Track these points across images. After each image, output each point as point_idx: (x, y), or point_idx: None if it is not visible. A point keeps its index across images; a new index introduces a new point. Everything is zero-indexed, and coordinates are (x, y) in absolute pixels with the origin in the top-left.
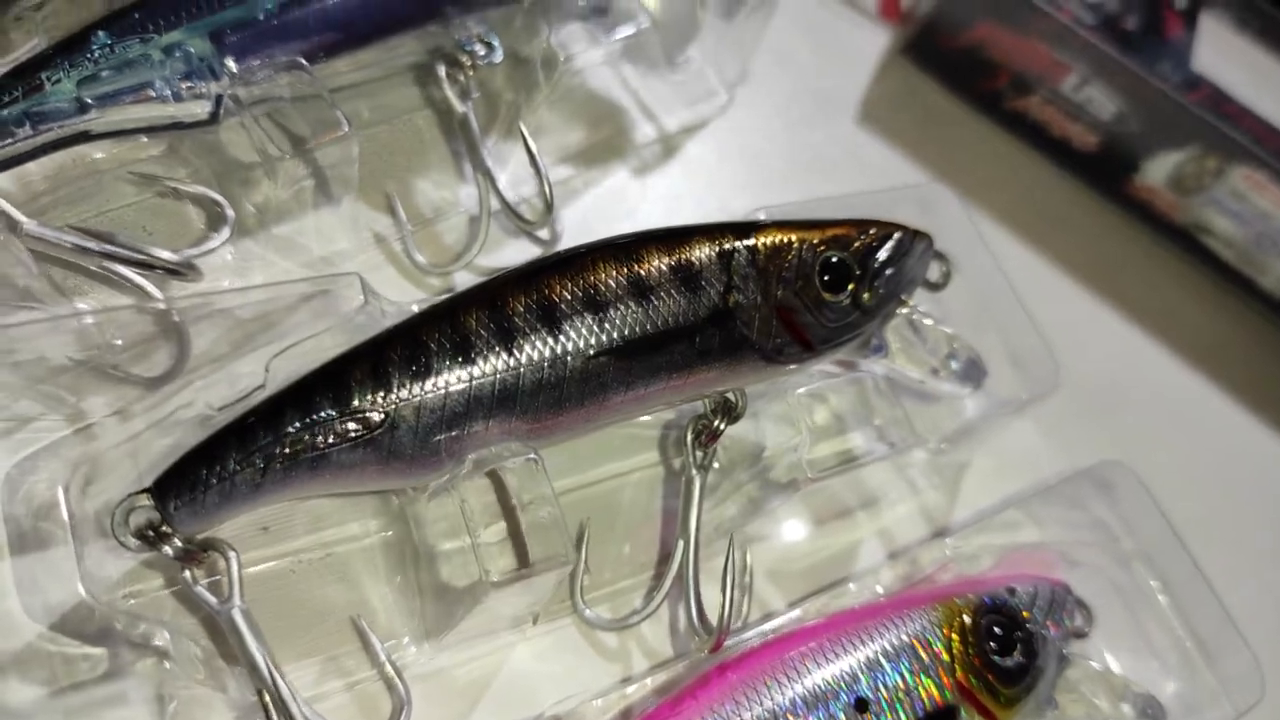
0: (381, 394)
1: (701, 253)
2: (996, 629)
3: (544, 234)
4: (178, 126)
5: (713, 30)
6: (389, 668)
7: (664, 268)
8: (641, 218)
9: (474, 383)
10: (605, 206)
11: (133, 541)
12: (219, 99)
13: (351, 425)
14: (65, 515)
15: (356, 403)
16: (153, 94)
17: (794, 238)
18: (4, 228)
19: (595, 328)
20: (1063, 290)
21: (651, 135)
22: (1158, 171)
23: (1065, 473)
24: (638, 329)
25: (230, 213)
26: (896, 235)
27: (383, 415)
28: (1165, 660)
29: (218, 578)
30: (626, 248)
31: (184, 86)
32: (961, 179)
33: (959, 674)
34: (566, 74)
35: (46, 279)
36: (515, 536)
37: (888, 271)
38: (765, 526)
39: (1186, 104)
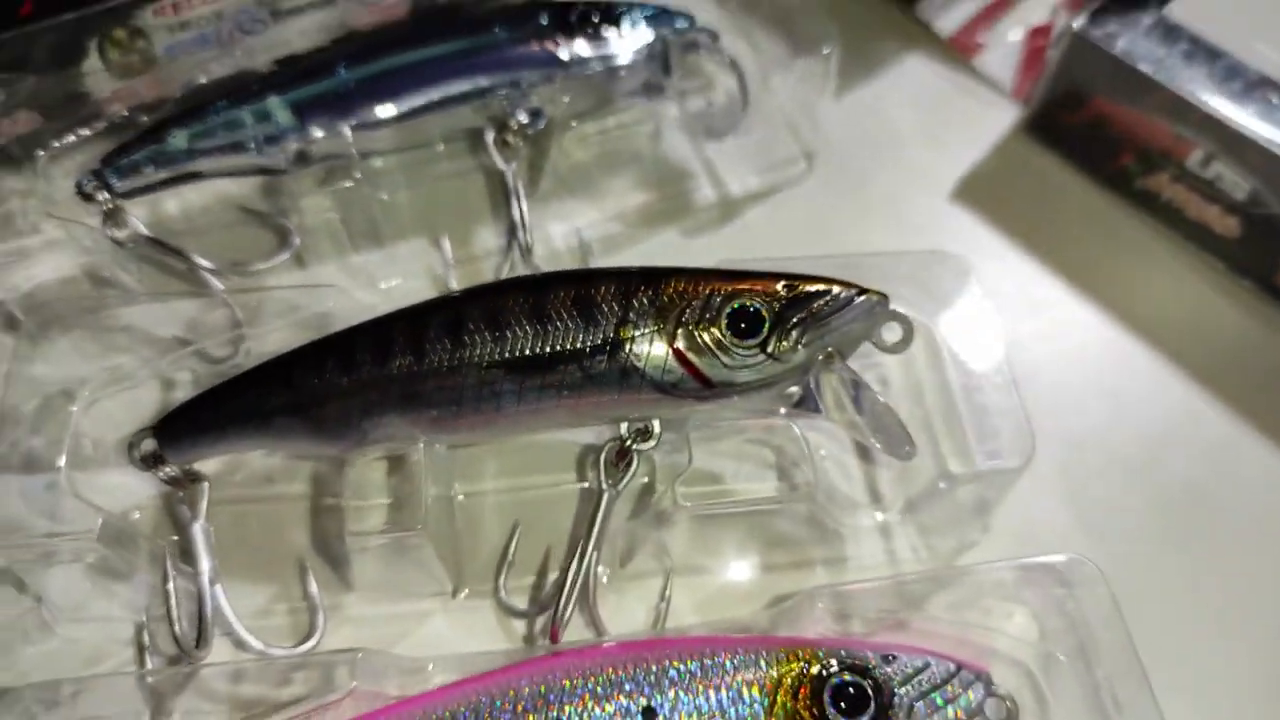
0: (316, 378)
1: (604, 288)
2: (850, 689)
3: None
4: (264, 172)
5: (787, 97)
6: (313, 601)
7: (566, 299)
8: None
9: (386, 379)
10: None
11: (139, 463)
12: (293, 153)
13: (291, 399)
14: (68, 439)
15: (297, 382)
16: (243, 148)
17: (708, 284)
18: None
19: (491, 343)
20: (1199, 398)
21: (712, 198)
22: None
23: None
24: (528, 348)
25: (296, 240)
26: (833, 291)
27: (315, 395)
28: None
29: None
30: (541, 280)
31: (272, 144)
32: (1090, 265)
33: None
34: (637, 136)
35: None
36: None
37: (812, 325)
38: (711, 560)
39: None
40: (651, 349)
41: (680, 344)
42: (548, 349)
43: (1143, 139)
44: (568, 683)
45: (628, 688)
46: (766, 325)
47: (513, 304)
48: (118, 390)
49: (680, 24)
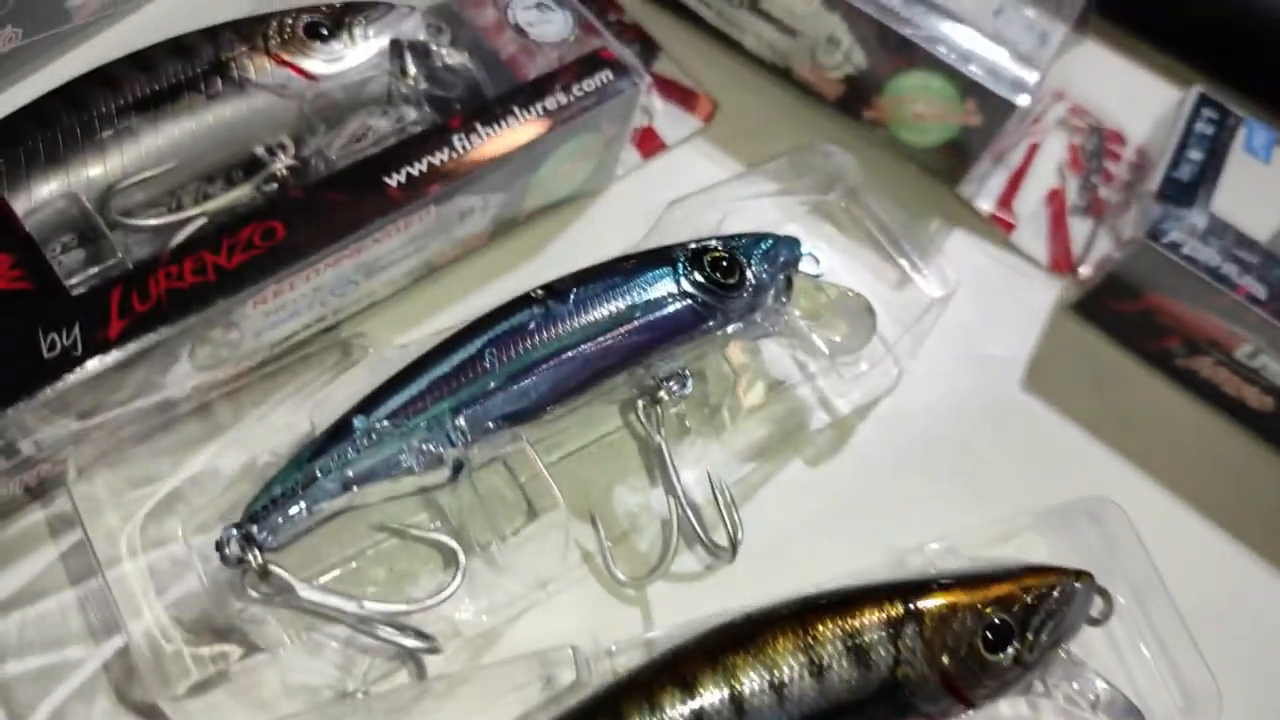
0: None
1: (871, 622)
2: None
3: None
4: (423, 490)
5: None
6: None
7: (835, 638)
8: (812, 511)
9: None
10: (781, 501)
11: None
12: (457, 463)
13: None
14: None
15: None
16: (402, 467)
17: (960, 601)
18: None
19: (777, 708)
20: (1243, 565)
21: (825, 420)
22: None
23: None
24: (814, 708)
25: (462, 559)
26: (1060, 587)
27: None
28: None
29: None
30: (798, 611)
31: (428, 455)
32: (1136, 441)
33: None
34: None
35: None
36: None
37: (1050, 624)
38: None
39: None
40: (926, 685)
41: (950, 673)
42: (832, 703)
43: (1193, 330)
44: None
45: None
46: (1015, 637)
47: (784, 656)
48: None
49: (799, 250)
